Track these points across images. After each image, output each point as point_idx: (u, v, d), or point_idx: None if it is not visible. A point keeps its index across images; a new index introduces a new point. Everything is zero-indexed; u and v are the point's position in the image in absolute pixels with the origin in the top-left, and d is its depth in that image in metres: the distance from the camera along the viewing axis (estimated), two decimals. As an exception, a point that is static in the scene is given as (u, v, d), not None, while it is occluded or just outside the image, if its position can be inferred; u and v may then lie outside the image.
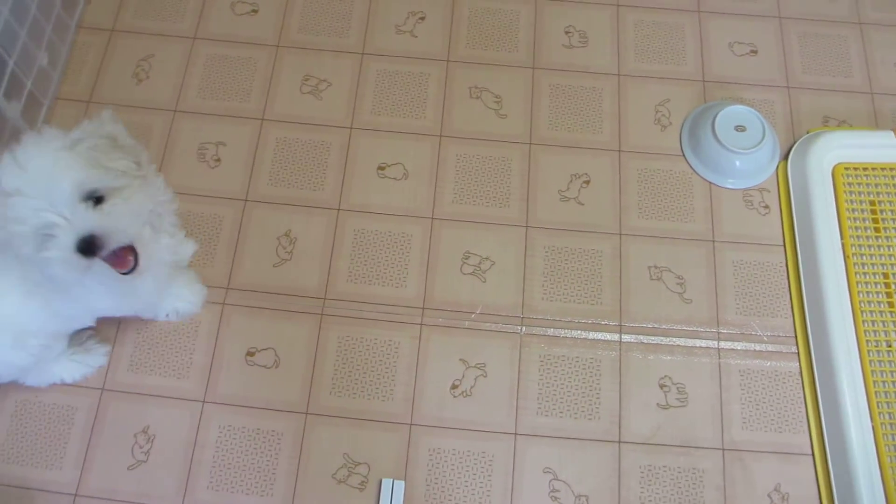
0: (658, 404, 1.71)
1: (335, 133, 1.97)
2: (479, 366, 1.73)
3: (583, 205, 1.89)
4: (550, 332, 1.77)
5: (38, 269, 1.18)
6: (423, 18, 2.14)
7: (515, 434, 1.68)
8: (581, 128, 1.99)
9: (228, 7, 2.15)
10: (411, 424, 1.68)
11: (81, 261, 1.13)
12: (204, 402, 1.70)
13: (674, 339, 1.77)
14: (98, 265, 1.18)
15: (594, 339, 1.76)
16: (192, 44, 2.10)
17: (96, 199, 1.15)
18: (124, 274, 1.22)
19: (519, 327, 1.77)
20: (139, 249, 1.23)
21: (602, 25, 2.15)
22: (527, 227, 1.86)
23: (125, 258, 1.21)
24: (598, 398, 1.71)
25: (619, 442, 1.68)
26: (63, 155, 1.13)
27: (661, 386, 1.73)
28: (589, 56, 2.10)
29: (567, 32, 2.13)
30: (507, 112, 2.01)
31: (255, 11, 2.15)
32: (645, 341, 1.76)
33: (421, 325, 1.76)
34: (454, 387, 1.71)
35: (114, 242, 1.16)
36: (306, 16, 2.14)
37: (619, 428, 1.69)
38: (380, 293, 1.79)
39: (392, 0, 2.17)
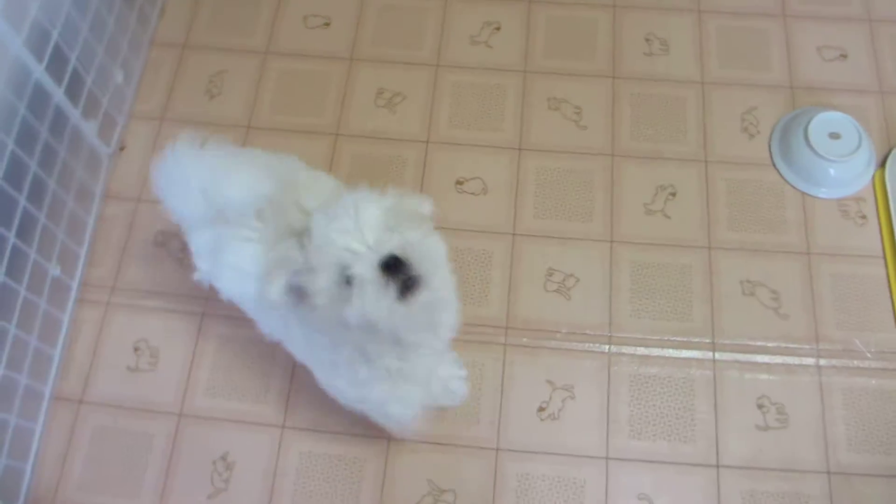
0: (757, 426, 1.63)
1: (411, 147, 1.92)
2: (566, 387, 1.66)
3: (669, 218, 1.82)
4: (640, 350, 1.70)
5: (337, 317, 1.10)
6: (498, 29, 2.09)
7: (607, 458, 1.61)
8: (665, 138, 1.92)
9: (301, 21, 2.12)
10: (497, 449, 1.62)
11: (388, 284, 1.05)
12: (283, 427, 1.66)
13: (771, 357, 1.69)
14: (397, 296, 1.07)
15: (686, 358, 1.69)
16: (264, 58, 2.07)
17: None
18: (404, 296, 1.08)
19: (606, 346, 1.70)
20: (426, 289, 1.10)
21: (683, 32, 2.07)
22: (612, 241, 1.79)
23: (415, 286, 1.08)
24: (692, 420, 1.64)
25: (718, 466, 1.60)
26: (385, 211, 1.09)
27: (760, 406, 1.65)
28: (670, 64, 2.03)
29: (647, 40, 2.06)
30: (587, 123, 1.94)
31: (328, 24, 2.11)
32: (741, 359, 1.68)
33: (505, 345, 1.70)
34: (541, 409, 1.65)
35: (413, 268, 1.06)
36: (379, 28, 2.10)
37: (717, 451, 1.61)
38: (462, 313, 1.73)
39: (466, 10, 2.11)
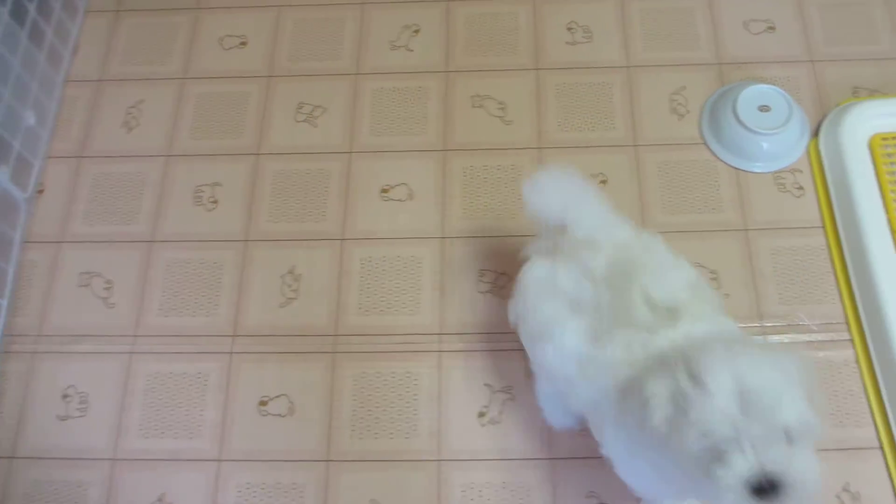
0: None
1: (334, 160, 1.87)
2: (505, 389, 1.61)
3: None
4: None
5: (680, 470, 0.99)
6: (417, 31, 2.04)
7: (552, 459, 1.54)
8: (593, 126, 1.87)
9: (217, 42, 2.07)
10: (439, 460, 1.56)
11: (746, 499, 0.91)
12: (220, 460, 1.60)
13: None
14: None
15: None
16: (181, 84, 2.02)
17: (789, 440, 0.92)
18: None
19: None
20: None
21: (606, 18, 2.03)
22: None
23: None
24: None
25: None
26: (794, 382, 0.94)
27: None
28: (595, 51, 1.99)
29: (570, 29, 2.02)
30: (512, 118, 1.89)
31: (244, 44, 2.07)
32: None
33: (440, 352, 1.65)
34: (481, 414, 1.59)
35: (790, 499, 0.92)
36: (296, 42, 2.05)
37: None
38: (393, 323, 1.68)
39: (384, 16, 2.07)
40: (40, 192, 1.91)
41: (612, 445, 1.19)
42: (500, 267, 1.73)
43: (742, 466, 0.89)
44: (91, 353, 1.71)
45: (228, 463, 1.60)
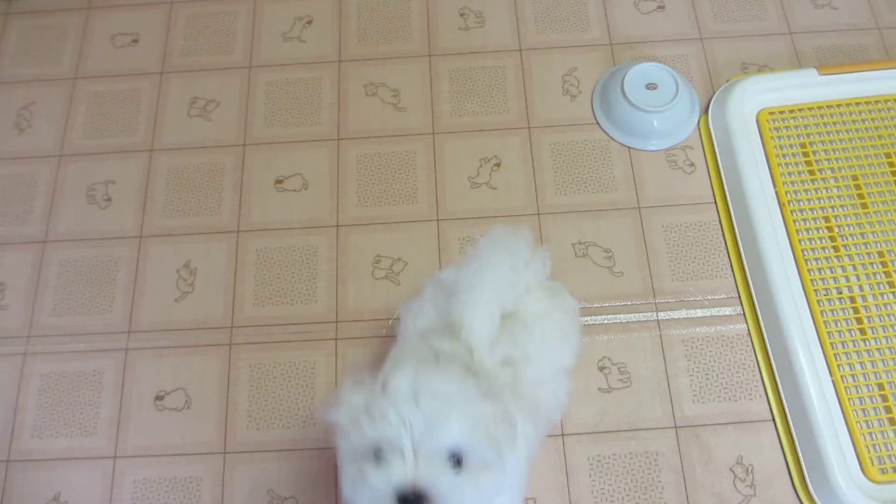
0: (600, 388, 1.59)
1: (228, 153, 1.85)
2: (402, 375, 1.60)
3: (496, 189, 1.78)
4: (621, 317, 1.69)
5: (343, 472, 1.00)
6: (310, 22, 2.03)
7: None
8: (486, 110, 1.88)
9: (108, 40, 2.04)
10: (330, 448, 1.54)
11: None
12: (115, 457, 1.58)
13: (608, 317, 1.65)
14: None
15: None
16: (73, 84, 1.99)
17: (455, 462, 0.95)
18: None
19: (442, 327, 1.63)
20: None
21: (498, 2, 2.04)
22: (438, 220, 1.75)
23: None
24: (533, 390, 1.58)
25: (563, 435, 1.56)
26: (463, 403, 0.96)
27: (601, 368, 1.61)
28: (487, 35, 2.00)
29: (462, 14, 2.02)
30: (405, 105, 1.90)
31: (136, 41, 2.04)
32: (581, 321, 1.63)
33: (336, 339, 1.64)
34: (378, 400, 1.58)
35: None
36: (189, 37, 2.03)
37: (561, 421, 1.56)
38: (289, 313, 1.67)
39: (277, 8, 2.06)
40: (-72, 197, 1.86)
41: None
42: (396, 253, 1.73)
43: (396, 472, 0.91)
44: (-20, 359, 1.67)
45: (124, 459, 1.58)
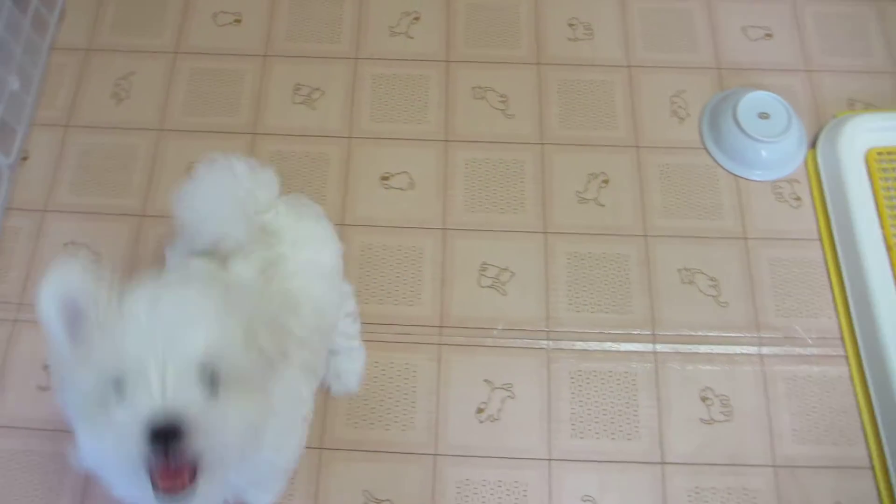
0: (701, 419, 1.58)
1: (333, 144, 1.83)
2: (505, 386, 1.60)
3: (603, 206, 1.77)
4: (579, 345, 1.64)
5: (75, 423, 0.85)
6: (417, 19, 2.01)
7: (550, 460, 1.54)
8: (594, 124, 1.87)
9: (210, 18, 2.02)
10: (436, 455, 1.54)
11: (141, 447, 0.78)
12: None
13: (712, 347, 1.64)
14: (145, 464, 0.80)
15: (627, 351, 1.63)
16: (173, 58, 1.97)
17: (211, 382, 0.82)
18: (165, 493, 0.82)
19: (545, 342, 1.63)
20: (206, 474, 0.83)
21: (606, 16, 2.03)
22: (545, 232, 1.73)
23: (180, 476, 0.82)
24: (636, 415, 1.58)
25: (662, 463, 1.55)
26: (209, 310, 0.84)
27: (703, 399, 1.59)
28: (596, 48, 1.98)
29: (571, 25, 2.00)
30: (514, 112, 1.88)
31: (239, 21, 2.02)
32: (682, 350, 1.63)
33: (439, 345, 1.63)
34: (480, 411, 1.58)
35: (196, 452, 0.79)
36: (293, 22, 2.01)
37: (661, 448, 1.55)
38: (392, 313, 1.66)
39: (383, 1, 2.02)
40: (24, 159, 1.85)
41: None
42: (503, 262, 1.72)
43: (142, 402, 0.77)
44: (76, 329, 1.65)
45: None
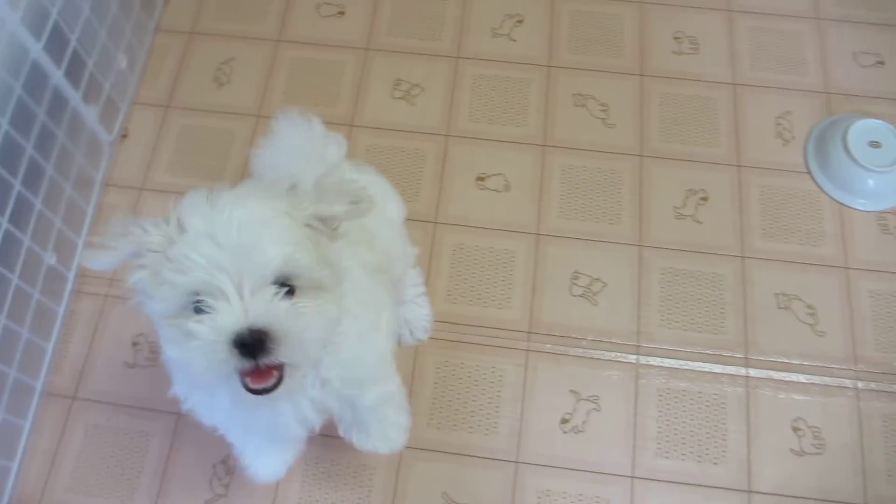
0: (791, 450, 1.53)
1: (430, 141, 1.82)
2: (591, 398, 1.57)
3: (701, 223, 1.73)
4: (669, 362, 1.60)
5: (162, 335, 0.89)
6: (520, 21, 1.99)
7: (633, 477, 1.51)
8: (695, 140, 1.83)
9: (314, 9, 2.02)
10: (517, 462, 1.52)
11: (231, 358, 0.82)
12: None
13: (808, 377, 1.59)
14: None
15: (718, 373, 1.59)
16: (276, 46, 1.98)
17: (287, 291, 0.85)
18: (255, 392, 0.88)
19: (634, 356, 1.60)
20: (291, 370, 0.90)
21: (713, 32, 1.99)
22: (640, 245, 1.70)
23: (268, 375, 0.88)
24: (724, 440, 1.54)
25: (749, 492, 1.51)
26: (279, 216, 0.87)
27: (795, 429, 1.55)
28: (701, 63, 1.94)
29: (676, 38, 1.97)
30: (614, 121, 1.85)
31: (342, 13, 2.02)
32: (775, 377, 1.59)
33: (527, 351, 1.60)
34: (564, 421, 1.55)
35: (282, 354, 0.84)
36: (396, 18, 2.00)
37: (748, 476, 1.51)
38: (481, 315, 1.64)
39: (487, 2, 2.01)
40: (124, 136, 1.86)
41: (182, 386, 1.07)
42: (595, 272, 1.69)
43: (225, 316, 0.81)
44: (166, 307, 1.66)
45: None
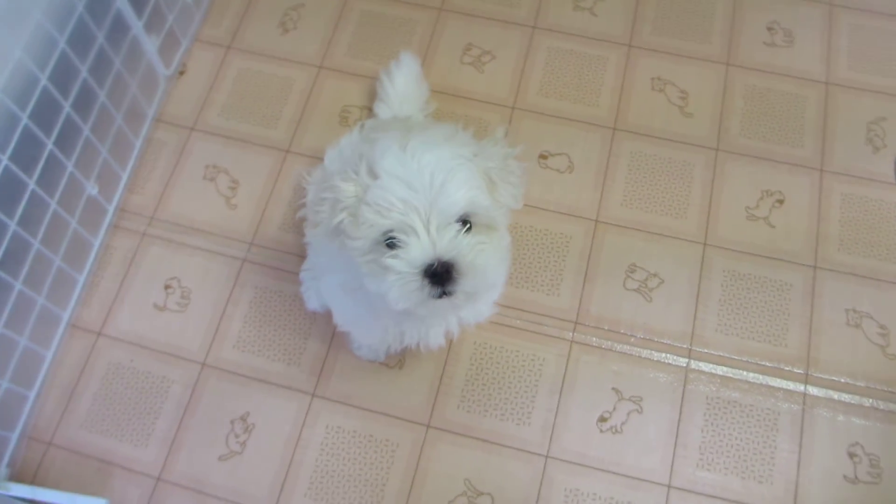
0: (845, 476, 1.42)
1: (494, 111, 1.74)
2: (633, 399, 1.47)
3: (773, 227, 1.61)
4: (721, 370, 1.49)
5: (361, 270, 1.01)
6: (604, -5, 1.88)
7: (669, 486, 1.41)
8: (778, 138, 1.71)
9: (392, -39, 1.92)
10: (547, 456, 1.43)
11: (425, 287, 0.95)
12: (314, 395, 1.49)
13: (872, 401, 1.47)
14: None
15: (773, 387, 1.48)
16: (345, -1, 1.89)
17: (466, 228, 0.97)
18: (437, 299, 0.99)
19: (685, 360, 1.50)
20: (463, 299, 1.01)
21: (811, 25, 1.85)
22: (705, 244, 1.59)
23: (453, 294, 0.99)
24: (772, 458, 1.43)
25: (796, 514, 1.39)
26: (463, 163, 0.95)
27: (851, 455, 1.43)
28: (794, 58, 1.81)
29: (770, 29, 1.84)
30: (693, 111, 1.73)
31: (419, -30, 1.92)
32: (836, 398, 1.47)
33: (571, 341, 1.51)
34: (602, 419, 1.45)
35: (467, 284, 0.96)
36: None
37: (795, 498, 1.41)
38: (528, 298, 1.55)
39: (571, -28, 1.91)
40: (181, 73, 1.81)
41: (329, 288, 1.27)
42: (653, 267, 1.58)
43: (417, 251, 0.93)
44: (203, 250, 1.61)
45: (322, 400, 1.49)
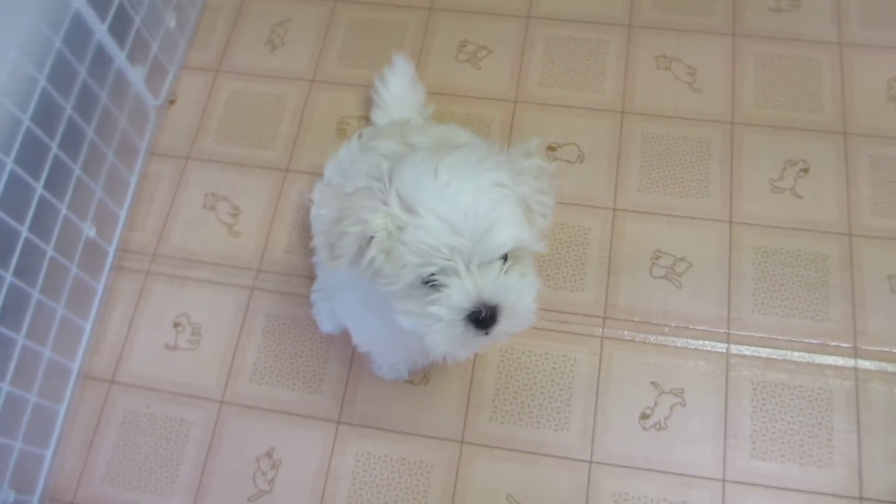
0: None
1: (496, 107, 1.67)
2: (675, 392, 1.39)
3: (801, 197, 1.53)
4: (765, 352, 1.41)
5: (395, 306, 0.95)
6: (600, -23, 1.81)
7: (724, 480, 1.33)
8: (795, 105, 1.63)
9: (375, -33, 1.86)
10: (591, 462, 1.35)
11: (468, 330, 0.91)
12: (339, 422, 1.42)
13: (922, 370, 1.38)
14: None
15: (822, 364, 1.40)
16: (333, 7, 1.84)
17: (506, 261, 0.92)
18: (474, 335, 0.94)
19: (724, 345, 1.42)
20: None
21: (818, -15, 1.77)
22: (731, 222, 1.52)
23: (491, 331, 0.94)
24: (829, 440, 1.35)
25: (861, 499, 1.31)
26: (504, 196, 0.90)
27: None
28: (802, 22, 1.74)
29: (775, -6, 1.76)
30: (702, 86, 1.66)
31: (407, -29, 1.86)
32: (889, 370, 1.39)
33: (602, 337, 1.44)
34: (644, 417, 1.38)
35: (509, 324, 0.92)
36: (463, -24, 1.84)
37: (860, 480, 1.32)
38: (551, 297, 1.48)
39: (562, -45, 1.84)
40: (172, 102, 1.75)
41: (346, 307, 1.21)
42: (679, 251, 1.51)
43: (460, 295, 0.88)
44: (210, 283, 1.54)
45: (348, 426, 1.42)
